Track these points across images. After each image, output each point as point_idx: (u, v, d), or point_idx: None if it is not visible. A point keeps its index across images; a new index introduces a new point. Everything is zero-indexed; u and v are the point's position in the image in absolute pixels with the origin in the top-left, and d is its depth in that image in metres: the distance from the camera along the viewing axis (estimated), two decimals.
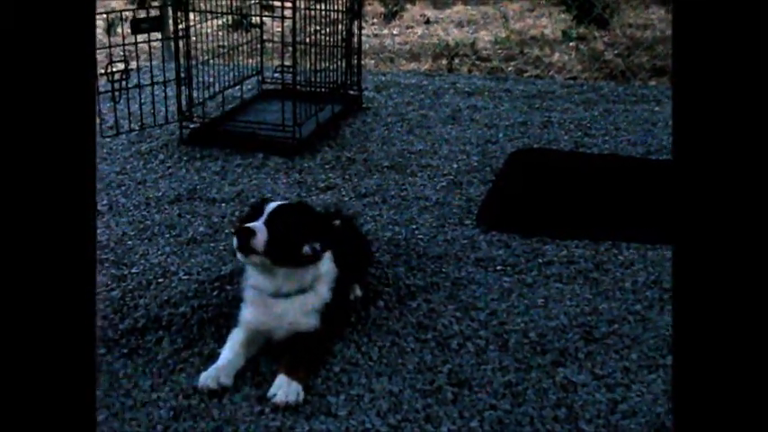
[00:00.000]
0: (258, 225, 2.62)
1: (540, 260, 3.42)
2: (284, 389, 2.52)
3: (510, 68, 6.90)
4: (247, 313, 2.77)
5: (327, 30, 5.04)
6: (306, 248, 2.68)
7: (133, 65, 4.77)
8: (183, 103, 4.78)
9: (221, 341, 2.77)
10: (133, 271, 3.34)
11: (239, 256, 2.65)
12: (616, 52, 7.19)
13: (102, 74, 4.53)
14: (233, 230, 2.68)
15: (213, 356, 2.72)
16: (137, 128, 4.86)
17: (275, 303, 2.73)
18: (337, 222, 2.82)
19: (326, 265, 2.79)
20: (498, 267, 3.36)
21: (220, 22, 6.61)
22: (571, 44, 7.52)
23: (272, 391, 2.53)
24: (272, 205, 2.70)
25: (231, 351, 2.69)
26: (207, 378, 2.57)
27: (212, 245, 3.53)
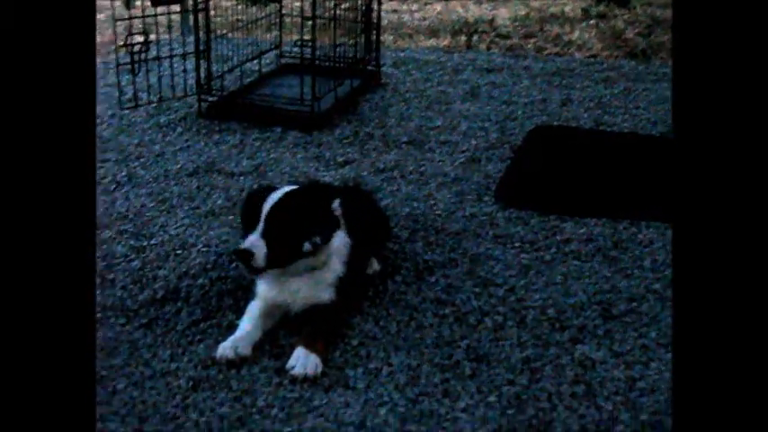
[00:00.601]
0: (255, 241, 2.59)
1: (559, 237, 3.41)
2: (302, 361, 2.53)
3: (529, 46, 6.85)
4: (264, 288, 2.78)
5: (346, 5, 5.02)
6: (306, 245, 2.67)
7: (152, 37, 4.75)
8: (202, 76, 4.77)
9: (239, 313, 2.78)
10: (152, 242, 3.35)
11: (247, 274, 2.72)
12: (636, 31, 7.13)
13: (121, 45, 4.53)
14: (232, 253, 2.67)
15: (231, 328, 2.73)
16: (155, 100, 4.86)
17: (290, 280, 2.74)
18: (337, 205, 2.78)
19: (339, 240, 2.78)
20: (516, 244, 3.35)
21: None
22: (591, 22, 7.46)
23: (290, 363, 2.54)
24: (268, 204, 2.64)
25: (249, 322, 2.70)
26: (225, 348, 2.58)
27: (230, 217, 3.53)
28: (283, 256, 2.65)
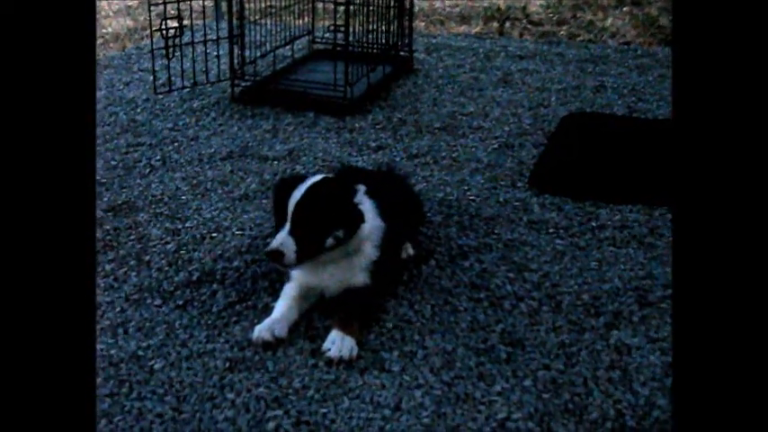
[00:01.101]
0: (284, 240, 2.60)
1: (594, 224, 3.39)
2: (338, 344, 2.53)
3: (562, 32, 6.81)
4: (298, 272, 2.78)
5: None
6: (329, 241, 2.67)
7: (186, 23, 4.77)
8: (235, 61, 4.79)
9: (275, 295, 2.79)
10: (187, 225, 3.37)
11: (281, 269, 2.72)
12: (671, 17, 7.05)
13: (155, 30, 4.55)
14: (264, 254, 2.68)
15: (267, 310, 2.74)
16: (189, 85, 4.88)
17: (324, 265, 2.74)
18: (362, 194, 2.77)
19: (370, 224, 2.78)
20: (551, 230, 3.34)
21: None
22: (625, 9, 7.39)
23: (325, 345, 2.55)
24: (293, 199, 2.63)
25: (285, 304, 2.71)
26: (262, 330, 2.60)
27: (264, 201, 3.54)
28: (311, 252, 2.66)
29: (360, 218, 2.73)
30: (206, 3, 5.09)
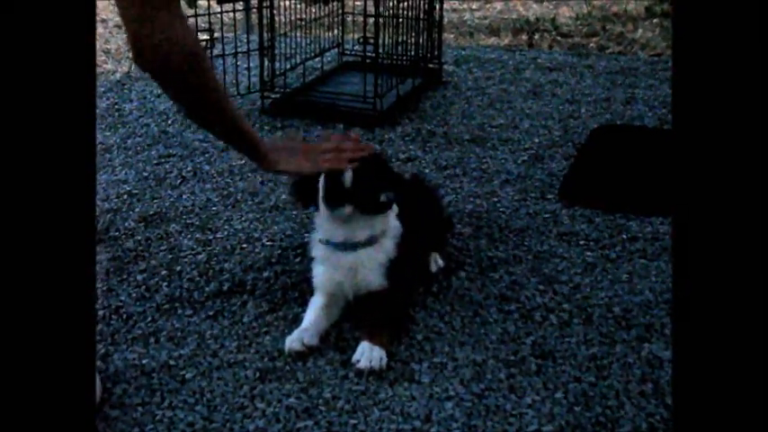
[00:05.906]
0: (347, 173, 2.64)
1: (624, 236, 3.37)
2: (368, 354, 2.53)
3: (591, 45, 6.79)
4: (319, 273, 2.79)
5: (408, 2, 5.02)
6: (383, 196, 2.67)
7: (217, 35, 4.81)
8: (265, 73, 4.81)
9: (305, 306, 2.79)
10: (218, 236, 3.39)
11: (325, 206, 2.69)
12: None
13: None
14: (321, 178, 2.68)
15: (297, 321, 2.75)
16: None
17: (343, 257, 2.74)
18: (407, 176, 2.84)
19: (392, 219, 2.79)
20: (581, 242, 3.32)
21: None
22: (655, 20, 7.36)
23: (355, 356, 2.55)
24: (352, 166, 2.69)
25: (313, 314, 2.72)
26: (292, 341, 2.60)
27: (294, 212, 3.56)
28: (366, 198, 2.66)
29: (404, 187, 2.80)
30: (236, 15, 5.13)
